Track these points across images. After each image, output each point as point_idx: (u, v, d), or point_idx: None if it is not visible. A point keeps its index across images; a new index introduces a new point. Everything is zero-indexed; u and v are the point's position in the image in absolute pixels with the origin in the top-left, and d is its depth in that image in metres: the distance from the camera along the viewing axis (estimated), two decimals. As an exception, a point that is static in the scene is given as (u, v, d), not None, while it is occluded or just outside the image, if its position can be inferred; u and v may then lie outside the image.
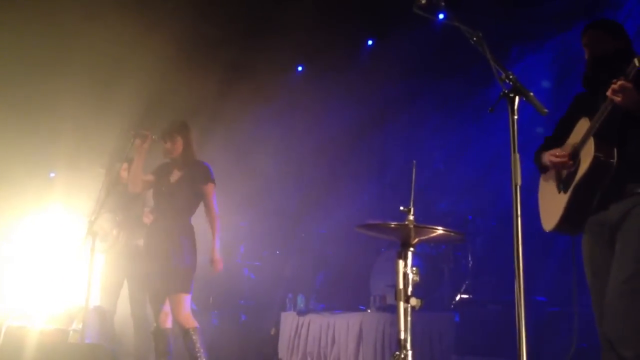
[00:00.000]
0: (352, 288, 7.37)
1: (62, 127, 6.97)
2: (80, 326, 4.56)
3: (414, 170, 2.79)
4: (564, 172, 3.04)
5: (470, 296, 5.94)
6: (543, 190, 3.27)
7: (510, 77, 2.19)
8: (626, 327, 2.59)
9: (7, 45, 6.78)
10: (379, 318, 5.34)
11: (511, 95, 2.17)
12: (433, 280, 6.02)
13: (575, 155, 2.94)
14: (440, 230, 2.51)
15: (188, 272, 4.24)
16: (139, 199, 5.24)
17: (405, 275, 2.51)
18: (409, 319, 2.47)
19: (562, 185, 3.04)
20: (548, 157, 3.07)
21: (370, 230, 2.82)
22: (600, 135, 2.77)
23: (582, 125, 2.92)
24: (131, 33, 6.35)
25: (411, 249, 2.57)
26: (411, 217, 2.52)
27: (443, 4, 2.49)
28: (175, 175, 4.44)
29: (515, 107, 2.16)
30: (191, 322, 4.22)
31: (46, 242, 6.81)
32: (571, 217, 2.96)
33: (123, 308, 5.31)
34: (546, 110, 2.15)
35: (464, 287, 6.06)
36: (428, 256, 6.25)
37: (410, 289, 2.50)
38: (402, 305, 2.48)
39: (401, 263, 2.53)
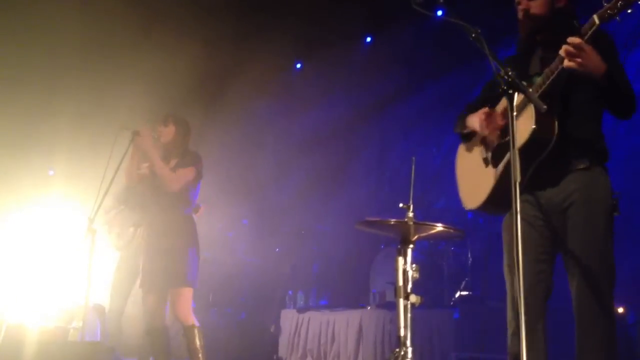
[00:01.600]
0: (352, 285, 7.38)
1: (61, 124, 6.95)
2: (80, 324, 4.56)
3: (413, 167, 2.79)
4: (493, 143, 2.69)
5: (470, 293, 5.95)
6: (464, 162, 2.93)
7: (509, 73, 2.15)
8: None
9: (5, 43, 6.77)
10: (378, 315, 5.35)
11: (510, 91, 2.14)
12: (432, 277, 6.03)
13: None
14: (439, 227, 2.51)
15: (190, 265, 4.15)
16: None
17: (404, 272, 2.51)
18: (408, 315, 2.47)
19: (492, 159, 2.70)
20: (477, 116, 2.71)
21: (369, 227, 2.82)
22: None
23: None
24: (129, 30, 6.34)
25: (411, 246, 2.57)
26: (410, 214, 2.52)
27: (441, 0, 2.48)
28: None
29: (514, 103, 2.13)
30: (191, 319, 4.13)
31: (46, 240, 6.81)
32: (500, 195, 2.62)
33: (131, 307, 5.28)
34: (545, 107, 2.12)
35: (463, 284, 6.07)
36: (427, 253, 6.25)
37: (410, 286, 2.50)
38: (401, 302, 2.48)
39: (401, 260, 2.53)
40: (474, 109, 2.82)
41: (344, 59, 8.02)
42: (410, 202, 2.54)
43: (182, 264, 4.13)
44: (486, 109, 2.68)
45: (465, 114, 2.88)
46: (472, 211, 2.84)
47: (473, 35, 2.35)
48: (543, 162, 2.49)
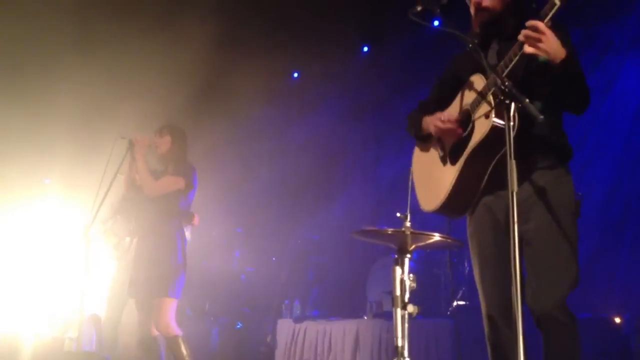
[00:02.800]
0: (349, 294, 7.36)
1: (58, 133, 6.95)
2: (75, 334, 4.54)
3: (410, 176, 2.78)
4: (451, 140, 2.63)
5: (467, 302, 5.93)
6: (421, 162, 2.86)
7: (506, 83, 2.15)
8: None
9: (2, 53, 6.77)
10: (375, 325, 5.33)
11: (506, 101, 2.13)
12: (429, 287, 6.02)
13: (466, 119, 2.53)
14: (437, 237, 2.50)
15: (172, 276, 4.13)
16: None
17: (402, 281, 2.50)
18: (405, 325, 2.46)
19: (450, 156, 2.63)
20: (432, 122, 2.64)
21: (366, 236, 2.81)
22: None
23: (476, 83, 2.50)
24: (126, 40, 6.35)
25: (408, 255, 2.56)
26: (408, 224, 2.51)
27: (438, 11, 2.49)
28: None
29: (511, 113, 2.12)
30: (172, 330, 4.08)
31: (42, 249, 6.79)
32: (460, 194, 2.57)
33: (128, 317, 5.25)
34: (542, 117, 2.11)
35: (460, 294, 6.05)
36: (424, 262, 6.24)
37: (407, 295, 2.49)
38: (399, 312, 2.47)
39: (398, 270, 2.52)
40: (427, 107, 2.78)
41: (341, 68, 8.04)
42: (408, 211, 2.53)
43: (164, 274, 4.11)
44: (440, 114, 2.62)
45: (418, 114, 2.82)
46: (430, 213, 2.73)
47: (470, 45, 2.35)
48: (504, 159, 2.31)
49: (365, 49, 8.37)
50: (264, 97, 7.95)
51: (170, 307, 4.11)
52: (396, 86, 7.61)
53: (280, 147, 8.78)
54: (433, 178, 2.72)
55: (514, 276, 1.99)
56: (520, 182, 2.32)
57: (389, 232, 2.54)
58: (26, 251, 6.85)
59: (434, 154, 2.76)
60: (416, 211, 2.64)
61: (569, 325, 2.38)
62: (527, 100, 2.11)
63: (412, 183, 2.84)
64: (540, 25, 2.23)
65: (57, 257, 6.50)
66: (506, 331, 2.42)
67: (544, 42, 2.24)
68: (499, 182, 2.30)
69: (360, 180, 8.45)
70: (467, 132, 2.52)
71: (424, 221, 2.83)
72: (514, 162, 2.07)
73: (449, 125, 2.57)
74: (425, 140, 2.82)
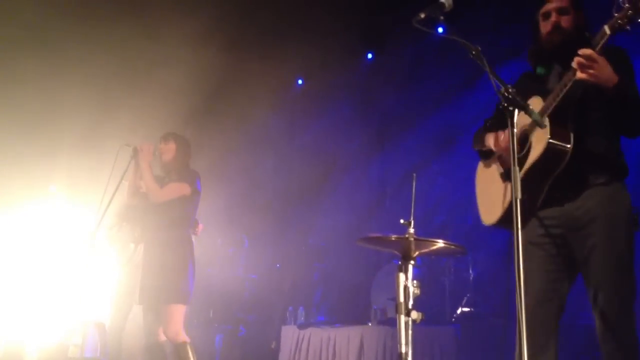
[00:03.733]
0: (353, 301, 7.35)
1: (63, 140, 6.97)
2: (80, 341, 4.54)
3: (413, 183, 2.78)
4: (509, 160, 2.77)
5: (472, 309, 5.92)
6: (483, 178, 2.97)
7: (509, 90, 2.17)
8: None
9: (5, 58, 6.81)
10: (379, 331, 5.32)
11: (510, 108, 2.15)
12: (434, 294, 6.00)
13: (524, 139, 2.62)
14: (441, 243, 2.50)
15: (181, 282, 4.14)
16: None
17: (406, 288, 2.50)
18: (410, 332, 2.45)
19: (508, 174, 2.69)
20: (491, 137, 2.76)
21: (370, 243, 2.81)
22: (555, 117, 2.47)
23: (534, 105, 2.56)
24: (129, 47, 6.38)
25: (412, 262, 2.56)
26: (411, 230, 2.51)
27: (442, 18, 2.50)
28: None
29: (515, 120, 2.14)
30: (181, 337, 4.09)
31: (46, 256, 6.80)
32: None
33: (132, 324, 5.25)
34: (546, 124, 2.13)
35: (465, 300, 6.04)
36: (429, 269, 6.23)
37: (411, 302, 2.48)
38: (402, 318, 2.46)
39: (402, 276, 2.52)
40: (491, 125, 2.85)
41: (345, 75, 8.05)
42: (411, 218, 2.53)
43: (173, 281, 4.12)
44: (501, 132, 2.71)
45: (482, 131, 2.90)
46: (490, 227, 2.83)
47: (473, 52, 2.37)
48: (561, 177, 2.50)
49: (370, 55, 8.39)
50: (269, 104, 7.97)
51: (180, 313, 4.13)
52: (400, 92, 7.62)
53: (284, 153, 8.79)
54: (493, 193, 2.80)
55: (517, 280, 2.00)
56: (576, 199, 2.50)
57: (393, 239, 2.54)
58: (30, 258, 6.86)
59: (495, 170, 2.84)
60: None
61: (627, 345, 2.40)
62: (530, 107, 2.14)
63: (475, 197, 2.94)
64: (592, 53, 2.36)
65: (61, 264, 6.51)
66: (540, 340, 2.47)
67: (596, 69, 2.37)
68: (556, 198, 2.53)
69: (364, 186, 8.45)
70: (525, 151, 2.60)
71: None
72: (517, 168, 2.10)
73: (506, 145, 2.64)
74: (488, 157, 2.90)
